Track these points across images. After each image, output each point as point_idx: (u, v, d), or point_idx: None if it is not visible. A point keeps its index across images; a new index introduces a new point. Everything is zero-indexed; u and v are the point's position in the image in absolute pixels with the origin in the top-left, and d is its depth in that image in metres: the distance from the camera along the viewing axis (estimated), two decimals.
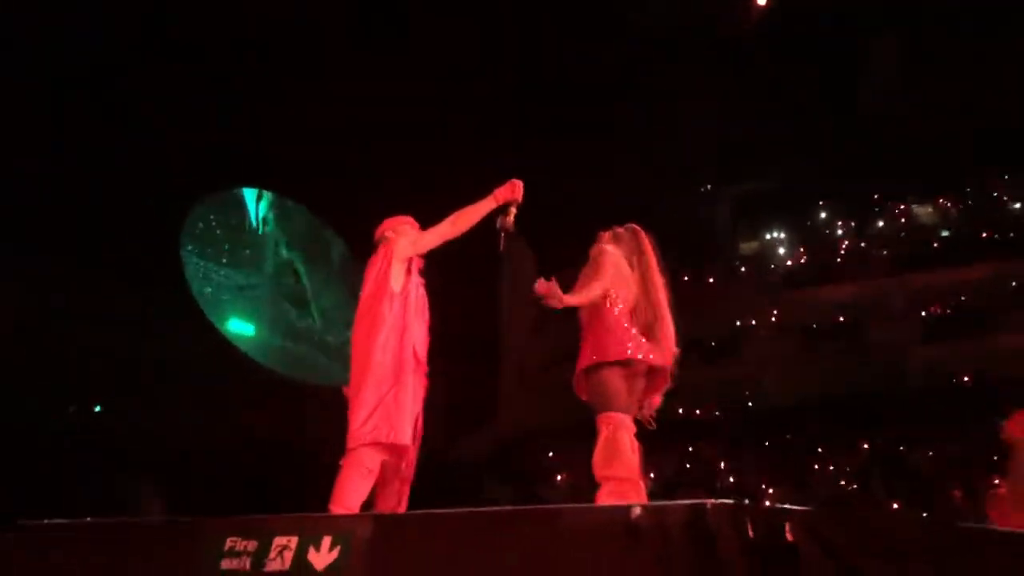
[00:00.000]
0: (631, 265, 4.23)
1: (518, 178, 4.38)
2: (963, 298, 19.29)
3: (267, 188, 19.89)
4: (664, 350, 4.09)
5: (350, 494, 3.82)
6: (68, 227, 14.72)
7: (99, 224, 15.05)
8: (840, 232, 22.53)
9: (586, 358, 4.03)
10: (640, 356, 3.98)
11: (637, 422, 4.00)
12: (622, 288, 4.12)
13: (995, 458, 13.03)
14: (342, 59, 16.31)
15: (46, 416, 13.79)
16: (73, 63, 14.24)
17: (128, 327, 15.32)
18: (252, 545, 2.99)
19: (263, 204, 20.19)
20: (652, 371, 4.10)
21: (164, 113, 15.54)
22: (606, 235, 4.33)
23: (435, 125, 17.11)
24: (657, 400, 4.17)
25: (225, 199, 19.30)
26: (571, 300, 4.00)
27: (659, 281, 4.23)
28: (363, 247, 4.51)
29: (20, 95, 13.76)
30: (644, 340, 4.04)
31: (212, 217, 18.94)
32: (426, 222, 4.47)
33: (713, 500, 2.57)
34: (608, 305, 4.07)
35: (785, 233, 23.29)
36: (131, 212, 15.48)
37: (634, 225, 4.36)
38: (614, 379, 3.95)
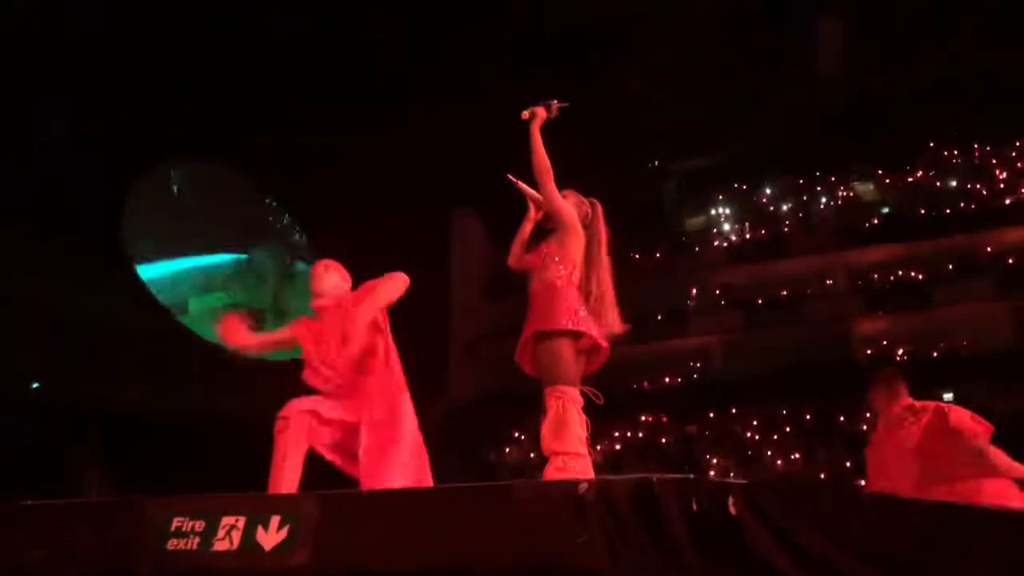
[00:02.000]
0: (589, 236, 4.19)
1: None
2: (901, 272, 19.79)
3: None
4: (605, 328, 4.07)
5: None
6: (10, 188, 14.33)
7: (43, 185, 14.66)
8: (784, 208, 22.89)
9: (535, 325, 3.95)
10: (590, 331, 3.97)
11: (583, 395, 3.93)
12: (578, 262, 4.11)
13: None
14: None
15: None
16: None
17: (70, 294, 15.00)
18: (199, 525, 2.95)
19: (193, 175, 19.79)
20: (592, 350, 4.04)
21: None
22: (571, 195, 4.26)
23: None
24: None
25: (166, 172, 18.91)
26: (539, 142, 4.09)
27: (607, 260, 4.20)
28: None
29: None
30: (590, 318, 4.04)
31: (155, 189, 18.55)
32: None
33: (659, 475, 2.61)
34: (563, 275, 4.04)
35: (730, 209, 23.59)
36: (77, 174, 15.12)
37: (595, 200, 4.30)
38: (565, 349, 3.89)
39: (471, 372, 21.56)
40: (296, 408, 3.99)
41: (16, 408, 13.50)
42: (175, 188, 18.95)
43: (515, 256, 4.28)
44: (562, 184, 4.18)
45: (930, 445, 4.51)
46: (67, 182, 14.87)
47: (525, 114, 4.18)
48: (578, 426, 3.79)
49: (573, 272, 4.06)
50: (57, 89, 14.77)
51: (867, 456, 4.99)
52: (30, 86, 14.49)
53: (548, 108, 4.21)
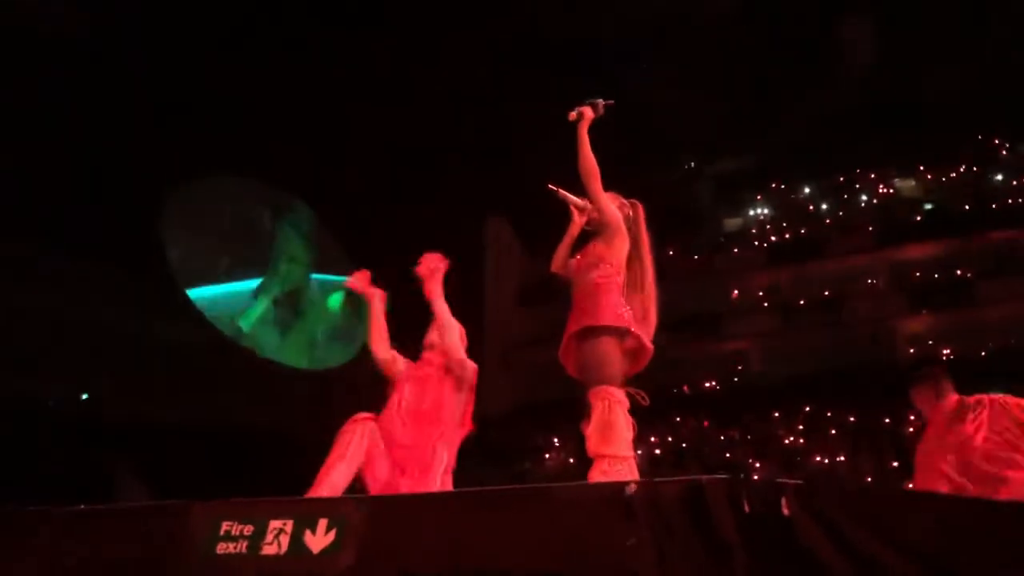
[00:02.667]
0: (632, 238, 4.16)
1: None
2: (945, 270, 19.44)
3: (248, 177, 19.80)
4: (648, 330, 4.04)
5: None
6: (46, 212, 14.62)
7: (82, 210, 14.95)
8: (824, 207, 22.61)
9: (580, 322, 3.91)
10: (634, 329, 3.92)
11: (629, 396, 3.85)
12: (623, 264, 4.06)
13: None
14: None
15: (31, 403, 13.71)
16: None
17: (110, 312, 15.25)
18: (248, 529, 2.97)
19: (242, 191, 20.05)
20: (636, 351, 3.98)
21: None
22: (615, 197, 4.23)
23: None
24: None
25: (204, 188, 19.18)
26: (586, 144, 4.04)
27: (650, 261, 4.18)
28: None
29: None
30: (632, 316, 4.00)
31: (193, 204, 18.82)
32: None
33: (708, 476, 2.57)
34: (608, 275, 3.99)
35: (769, 209, 23.35)
36: (111, 198, 15.39)
37: (636, 201, 4.27)
38: (610, 348, 3.84)
39: (506, 381, 21.56)
40: (369, 418, 4.05)
41: (57, 422, 13.76)
42: (208, 203, 19.22)
43: (559, 261, 4.25)
44: (604, 187, 4.16)
45: (998, 437, 4.40)
46: (95, 197, 15.15)
47: (572, 115, 4.12)
48: (625, 428, 3.73)
49: (619, 273, 4.03)
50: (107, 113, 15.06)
51: (917, 455, 4.89)
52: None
53: (595, 108, 4.14)
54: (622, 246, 4.07)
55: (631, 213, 4.22)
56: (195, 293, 18.21)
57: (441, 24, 17.55)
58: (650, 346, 3.96)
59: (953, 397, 4.72)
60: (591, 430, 3.74)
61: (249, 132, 16.55)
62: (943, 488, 4.43)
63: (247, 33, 16.36)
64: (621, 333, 3.89)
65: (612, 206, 4.12)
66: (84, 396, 15.61)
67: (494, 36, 18.09)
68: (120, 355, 15.85)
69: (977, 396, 4.63)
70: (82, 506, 3.55)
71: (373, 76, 17.56)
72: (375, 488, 4.03)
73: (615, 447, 3.67)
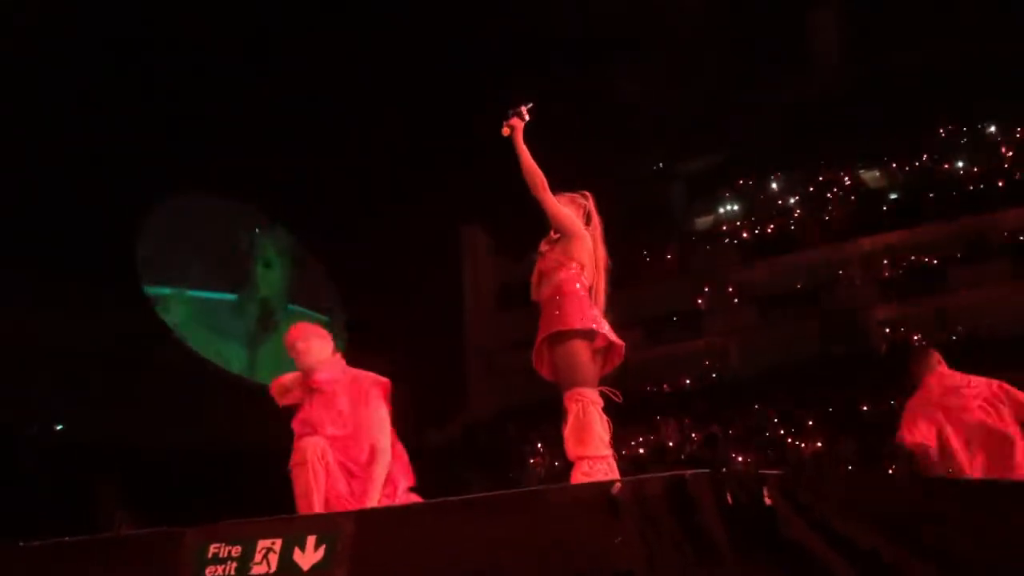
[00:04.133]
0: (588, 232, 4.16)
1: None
2: (914, 258, 19.70)
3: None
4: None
5: None
6: (30, 234, 14.45)
7: (59, 231, 14.78)
8: (792, 201, 22.83)
9: (550, 326, 3.92)
10: (604, 330, 3.95)
11: (603, 395, 3.90)
12: (586, 265, 4.09)
13: None
14: None
15: (6, 434, 13.54)
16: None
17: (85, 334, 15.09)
18: (236, 550, 2.97)
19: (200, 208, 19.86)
20: (608, 349, 4.01)
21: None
22: (564, 197, 4.21)
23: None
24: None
25: (180, 205, 19.03)
26: (525, 153, 4.05)
27: (603, 253, 4.19)
28: None
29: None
30: (601, 317, 4.04)
31: (169, 224, 18.67)
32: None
33: (691, 471, 2.61)
34: (572, 278, 4.01)
35: (738, 206, 23.54)
36: (94, 218, 15.24)
37: (587, 192, 4.27)
38: (581, 350, 3.87)
39: (489, 385, 21.56)
40: (311, 445, 4.02)
41: (39, 449, 13.59)
42: (184, 221, 19.07)
43: (536, 291, 4.21)
44: (555, 187, 4.20)
45: (995, 416, 4.74)
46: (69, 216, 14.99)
47: (505, 130, 4.13)
48: (600, 428, 3.77)
49: (581, 274, 4.05)
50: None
51: (905, 411, 5.15)
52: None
53: (521, 116, 4.15)
54: (582, 246, 4.09)
55: (586, 206, 4.23)
56: (168, 312, 18.06)
57: (413, 28, 17.56)
58: (621, 343, 4.00)
59: (944, 370, 5.03)
60: (568, 433, 3.78)
61: (223, 143, 16.43)
62: (923, 430, 4.68)
63: (224, 36, 16.24)
64: (590, 335, 3.92)
65: (567, 211, 4.13)
66: (58, 427, 15.42)
67: (463, 36, 18.13)
68: (99, 379, 15.71)
69: (971, 376, 4.88)
70: (66, 538, 3.53)
71: (346, 82, 17.49)
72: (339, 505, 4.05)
73: (592, 448, 3.71)
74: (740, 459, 14.83)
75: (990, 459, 4.69)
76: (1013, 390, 4.86)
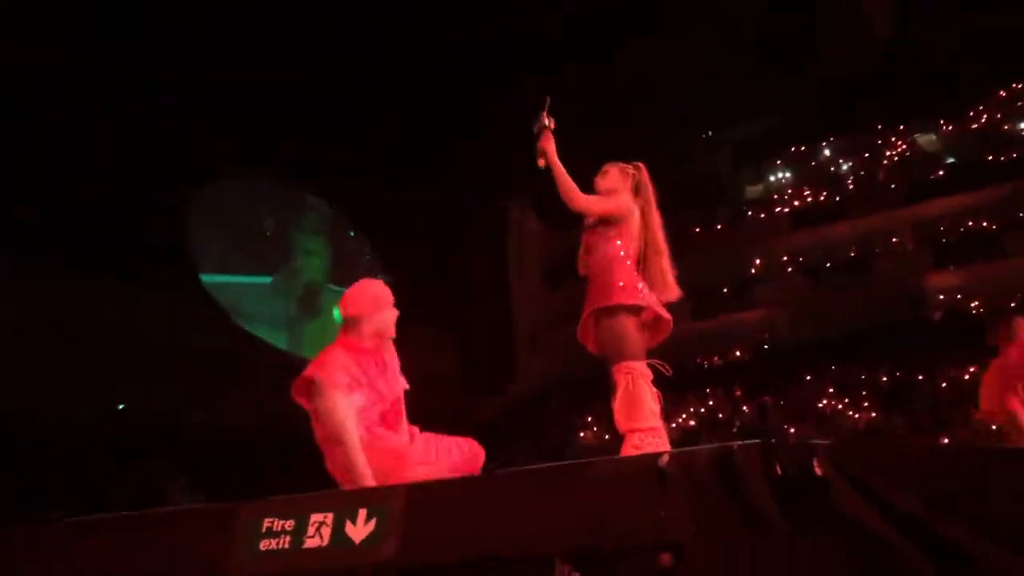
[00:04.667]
0: (640, 201, 4.17)
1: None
2: (971, 224, 19.19)
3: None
4: (669, 288, 4.07)
5: None
6: (70, 223, 14.77)
7: (104, 219, 15.09)
8: (844, 168, 22.37)
9: (596, 301, 3.94)
10: (651, 303, 3.94)
11: (653, 368, 3.90)
12: (634, 238, 4.08)
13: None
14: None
15: (66, 413, 13.94)
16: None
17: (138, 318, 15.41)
18: (289, 524, 3.03)
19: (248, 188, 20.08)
20: (655, 322, 4.02)
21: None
22: (614, 169, 4.24)
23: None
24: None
25: (220, 189, 19.29)
26: (561, 173, 4.04)
27: (659, 223, 4.17)
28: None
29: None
30: (649, 291, 4.02)
31: (217, 206, 18.97)
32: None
33: (739, 442, 2.59)
34: (619, 251, 4.02)
35: (789, 174, 23.14)
36: (130, 204, 15.51)
37: (640, 164, 4.26)
38: (628, 324, 3.87)
39: (536, 361, 21.61)
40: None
41: (100, 430, 13.97)
42: (233, 203, 19.34)
43: (583, 265, 4.23)
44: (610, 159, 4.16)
45: None
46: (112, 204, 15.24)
47: (541, 161, 4.12)
48: (651, 400, 3.77)
49: (629, 246, 4.04)
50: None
51: (983, 382, 5.22)
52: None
53: (543, 130, 4.14)
54: (631, 222, 4.09)
55: (636, 176, 4.21)
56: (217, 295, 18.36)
57: (452, 13, 17.46)
58: (668, 316, 3.98)
59: None
60: (618, 406, 3.79)
61: (259, 128, 16.56)
62: (1001, 399, 4.73)
63: (259, 25, 16.30)
64: (636, 309, 3.91)
65: (607, 200, 4.11)
66: (120, 407, 15.85)
67: (504, 21, 17.98)
68: (154, 363, 16.08)
69: None
70: (123, 512, 3.63)
71: (388, 64, 17.47)
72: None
73: (643, 420, 3.71)
74: (792, 430, 14.71)
75: None
76: None
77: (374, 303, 4.02)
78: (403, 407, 4.08)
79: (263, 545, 3.06)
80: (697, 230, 21.36)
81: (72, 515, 3.69)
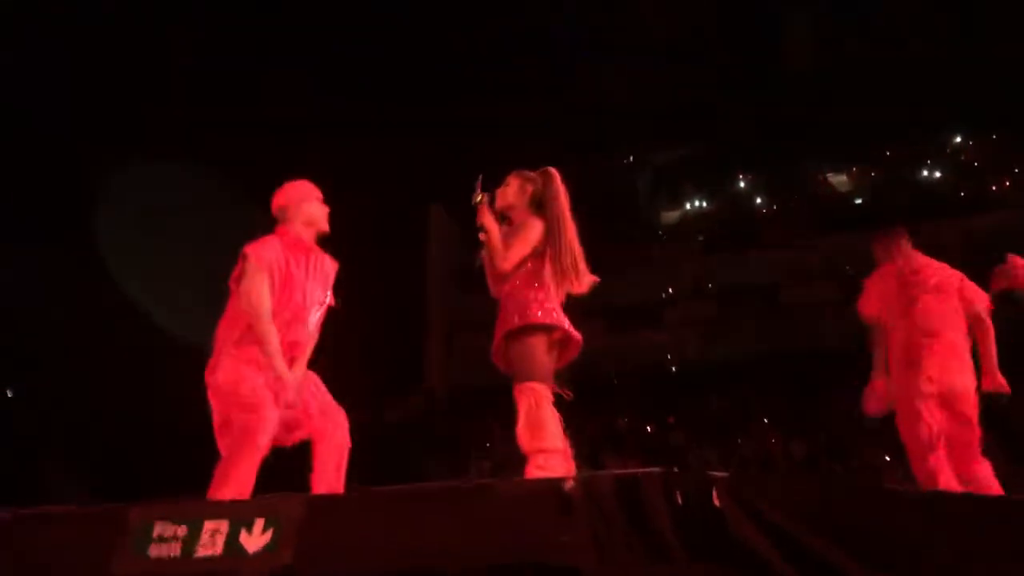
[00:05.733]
0: (543, 208, 4.10)
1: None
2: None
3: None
4: (581, 278, 4.04)
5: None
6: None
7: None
8: (759, 200, 23.05)
9: (507, 323, 3.92)
10: (561, 323, 3.93)
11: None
12: (540, 249, 4.04)
13: None
14: None
15: None
16: None
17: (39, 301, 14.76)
18: (182, 531, 2.93)
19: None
20: (565, 341, 4.00)
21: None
22: (515, 182, 4.20)
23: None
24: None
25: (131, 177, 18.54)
26: (496, 243, 4.03)
27: (571, 224, 4.10)
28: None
29: None
30: (561, 310, 3.99)
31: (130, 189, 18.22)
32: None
33: (642, 469, 2.62)
34: (529, 270, 4.00)
35: (705, 201, 23.72)
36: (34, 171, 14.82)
37: (549, 169, 4.19)
38: (539, 346, 3.87)
39: (448, 365, 21.54)
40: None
41: None
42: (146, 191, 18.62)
43: (492, 284, 4.21)
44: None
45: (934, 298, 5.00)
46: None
47: (483, 236, 4.10)
48: (553, 421, 3.76)
49: (539, 264, 4.03)
50: None
51: (867, 287, 5.46)
52: None
53: (478, 206, 4.13)
54: (534, 238, 4.04)
55: (538, 187, 4.15)
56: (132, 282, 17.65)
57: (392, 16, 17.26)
58: (578, 336, 3.99)
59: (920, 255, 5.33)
60: (521, 427, 3.76)
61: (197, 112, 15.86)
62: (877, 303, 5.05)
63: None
64: (548, 328, 3.91)
65: (523, 246, 4.04)
66: (8, 393, 15.13)
67: (433, 29, 17.94)
68: (52, 348, 15.40)
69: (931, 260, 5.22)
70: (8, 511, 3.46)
71: (320, 64, 17.13)
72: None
73: (547, 441, 3.70)
74: (695, 452, 14.99)
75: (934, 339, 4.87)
76: (971, 286, 5.06)
77: (299, 193, 4.29)
78: (315, 322, 4.23)
79: (153, 551, 2.96)
80: (612, 249, 21.69)
81: None
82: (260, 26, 16.44)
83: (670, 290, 21.77)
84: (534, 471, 3.63)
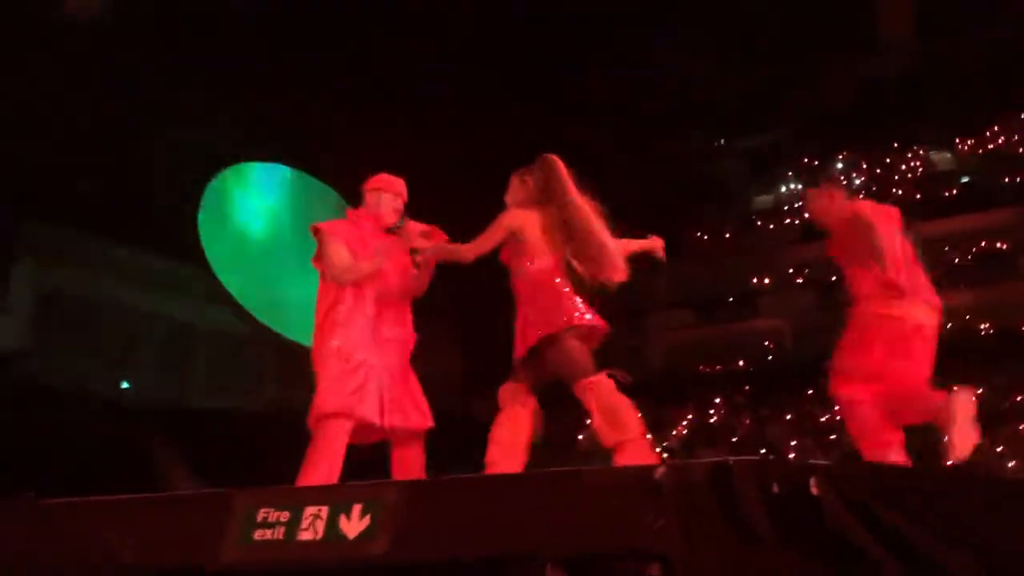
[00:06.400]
0: (548, 199, 4.01)
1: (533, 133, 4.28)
2: (984, 244, 19.09)
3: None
4: (613, 269, 3.96)
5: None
6: (88, 198, 14.55)
7: (124, 196, 14.84)
8: (857, 182, 22.27)
9: (535, 334, 3.86)
10: (588, 322, 3.89)
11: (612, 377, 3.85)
12: (546, 247, 3.99)
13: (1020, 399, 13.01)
14: None
15: (71, 394, 13.94)
16: None
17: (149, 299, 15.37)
18: (284, 515, 3.04)
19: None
20: (589, 329, 3.95)
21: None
22: (514, 180, 4.18)
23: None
24: None
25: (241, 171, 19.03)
26: (444, 250, 4.13)
27: (585, 205, 3.99)
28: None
29: None
30: (581, 301, 3.94)
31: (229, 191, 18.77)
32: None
33: (737, 457, 2.59)
34: (536, 269, 3.95)
35: (801, 185, 23.03)
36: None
37: (546, 156, 4.09)
38: (574, 344, 3.84)
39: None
40: None
41: (104, 410, 13.97)
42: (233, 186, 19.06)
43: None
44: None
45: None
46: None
47: (419, 259, 4.20)
48: (627, 408, 3.71)
49: (543, 259, 3.98)
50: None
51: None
52: None
53: (397, 230, 4.24)
54: (531, 232, 4.00)
55: (539, 177, 4.08)
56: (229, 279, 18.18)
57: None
58: (603, 326, 3.95)
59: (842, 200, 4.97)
60: (597, 422, 3.73)
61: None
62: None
63: None
64: (577, 329, 3.88)
65: (491, 235, 4.01)
66: (125, 385, 15.87)
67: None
68: (161, 343, 16.07)
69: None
70: (121, 496, 3.64)
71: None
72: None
73: (628, 431, 3.66)
74: (793, 444, 14.67)
75: None
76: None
77: (379, 181, 4.39)
78: (405, 305, 4.32)
79: (257, 535, 3.07)
80: (704, 238, 21.31)
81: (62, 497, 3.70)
82: None
83: (766, 279, 21.27)
84: (624, 459, 3.61)
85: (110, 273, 15.33)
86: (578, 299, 3.93)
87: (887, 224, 4.55)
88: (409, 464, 4.11)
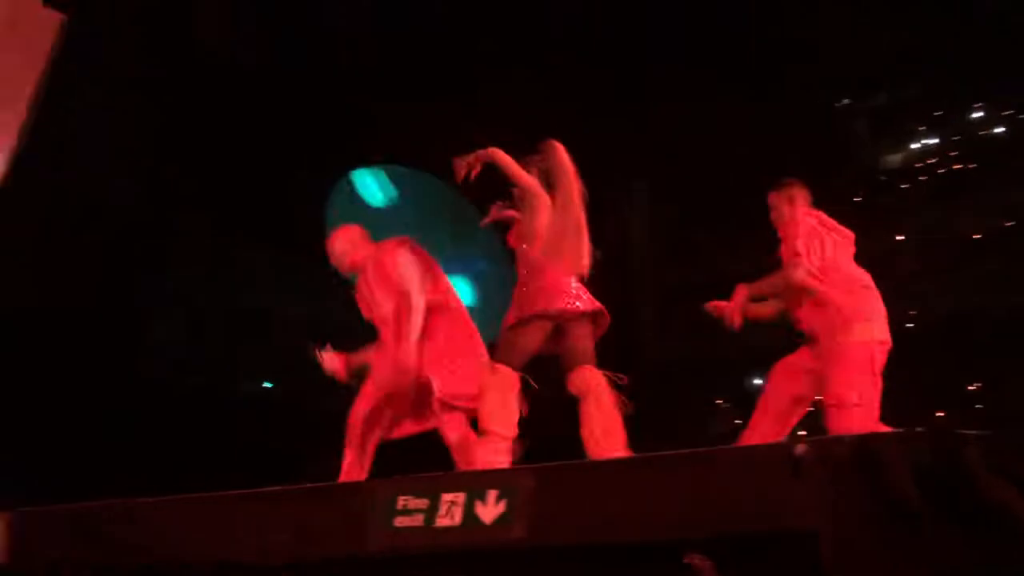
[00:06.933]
0: (549, 184, 4.02)
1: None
2: None
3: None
4: (579, 266, 3.95)
5: None
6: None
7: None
8: (997, 131, 20.93)
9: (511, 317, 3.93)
10: (565, 305, 3.91)
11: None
12: (538, 231, 3.99)
13: None
14: None
15: (215, 390, 14.59)
16: None
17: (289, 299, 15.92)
18: (423, 503, 3.12)
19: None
20: (597, 315, 4.01)
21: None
22: (531, 162, 4.15)
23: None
24: None
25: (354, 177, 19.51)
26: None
27: (577, 199, 3.97)
28: None
29: None
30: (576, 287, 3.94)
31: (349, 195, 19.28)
32: None
33: (882, 431, 2.49)
34: (541, 257, 3.95)
35: (933, 139, 21.83)
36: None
37: (550, 142, 4.05)
38: (518, 334, 3.92)
39: (662, 336, 21.29)
40: None
41: (252, 408, 14.61)
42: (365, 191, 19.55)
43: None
44: None
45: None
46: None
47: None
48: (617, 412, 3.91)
49: (542, 244, 3.97)
50: None
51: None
52: None
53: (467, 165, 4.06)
54: (540, 217, 4.00)
55: (541, 165, 4.07)
56: None
57: None
58: (589, 307, 3.96)
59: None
60: (486, 409, 3.82)
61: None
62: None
63: None
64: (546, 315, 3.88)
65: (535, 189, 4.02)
66: (267, 384, 16.55)
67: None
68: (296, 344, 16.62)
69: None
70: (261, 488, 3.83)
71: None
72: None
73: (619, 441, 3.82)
74: (937, 414, 14.01)
75: None
76: None
77: None
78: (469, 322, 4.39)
79: (398, 522, 3.18)
80: (833, 204, 20.56)
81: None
82: None
83: (897, 238, 20.31)
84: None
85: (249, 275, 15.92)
86: (572, 285, 3.91)
87: (823, 237, 4.57)
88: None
